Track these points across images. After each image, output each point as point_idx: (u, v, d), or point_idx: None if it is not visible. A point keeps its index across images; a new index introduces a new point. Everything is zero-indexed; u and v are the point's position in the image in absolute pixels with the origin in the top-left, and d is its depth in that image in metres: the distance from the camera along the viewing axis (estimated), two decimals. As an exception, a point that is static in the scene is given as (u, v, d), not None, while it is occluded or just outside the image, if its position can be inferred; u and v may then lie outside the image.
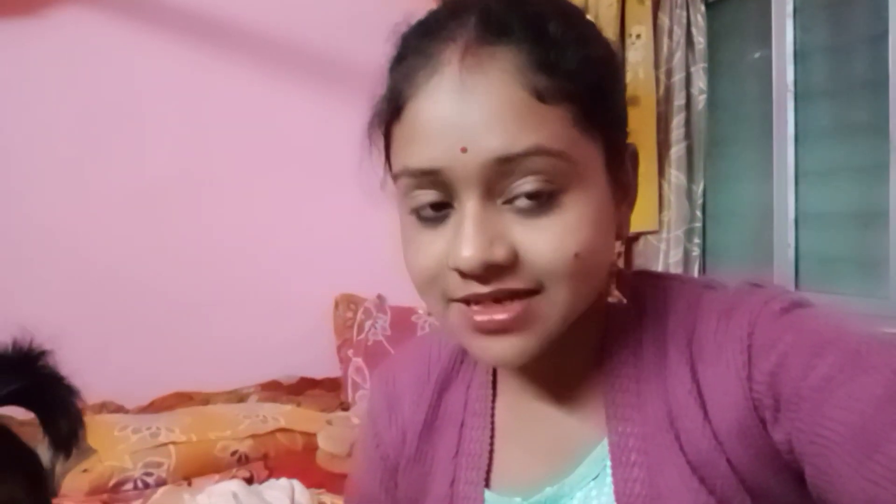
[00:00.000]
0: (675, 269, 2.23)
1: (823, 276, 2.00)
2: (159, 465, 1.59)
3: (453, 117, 0.48)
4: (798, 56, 2.00)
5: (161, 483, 1.57)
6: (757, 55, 2.14)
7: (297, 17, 2.35)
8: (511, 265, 0.49)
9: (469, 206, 0.49)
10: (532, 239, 0.49)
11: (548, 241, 0.49)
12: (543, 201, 0.49)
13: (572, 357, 0.58)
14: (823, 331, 0.49)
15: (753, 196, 2.20)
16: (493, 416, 0.62)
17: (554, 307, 0.50)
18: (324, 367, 2.33)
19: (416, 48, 0.52)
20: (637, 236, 2.30)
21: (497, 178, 0.48)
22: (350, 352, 2.26)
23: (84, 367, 1.80)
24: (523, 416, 0.61)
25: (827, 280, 1.98)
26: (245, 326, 2.27)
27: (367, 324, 2.27)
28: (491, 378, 0.63)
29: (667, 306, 0.57)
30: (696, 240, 2.28)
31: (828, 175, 1.98)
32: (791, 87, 2.02)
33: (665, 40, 2.23)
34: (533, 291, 0.50)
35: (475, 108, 0.48)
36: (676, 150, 2.24)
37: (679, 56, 2.22)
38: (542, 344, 0.51)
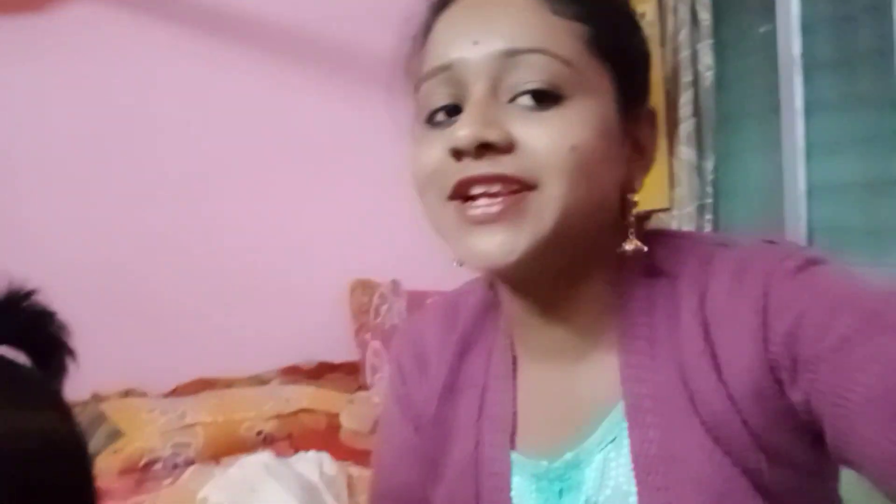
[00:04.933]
0: (687, 246, 2.25)
1: (837, 247, 2.01)
2: (187, 445, 1.63)
3: (470, 19, 0.54)
4: (804, 28, 2.00)
5: (189, 462, 1.62)
6: (762, 29, 2.15)
7: (308, 7, 2.37)
8: (506, 150, 0.51)
9: (474, 95, 0.52)
10: (531, 131, 0.51)
11: (545, 132, 0.51)
12: (546, 101, 0.52)
13: (586, 316, 0.58)
14: (839, 289, 0.50)
15: (764, 170, 2.21)
16: (515, 380, 0.63)
17: (546, 204, 0.51)
18: (342, 351, 2.36)
19: None
20: (648, 214, 2.30)
21: (503, 72, 0.52)
22: (367, 335, 2.28)
23: (107, 356, 1.84)
24: (543, 378, 0.61)
25: (840, 251, 2.00)
26: (264, 314, 2.30)
27: (384, 308, 2.30)
28: (510, 344, 0.64)
29: (679, 265, 0.57)
30: (708, 216, 2.29)
31: (838, 146, 1.99)
32: (798, 59, 2.03)
33: (670, 18, 2.24)
34: (527, 186, 0.51)
35: (490, 12, 0.53)
36: (685, 127, 2.25)
37: (684, 33, 2.23)
38: (532, 244, 0.51)
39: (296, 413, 1.79)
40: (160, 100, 2.24)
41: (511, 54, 0.52)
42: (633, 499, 0.54)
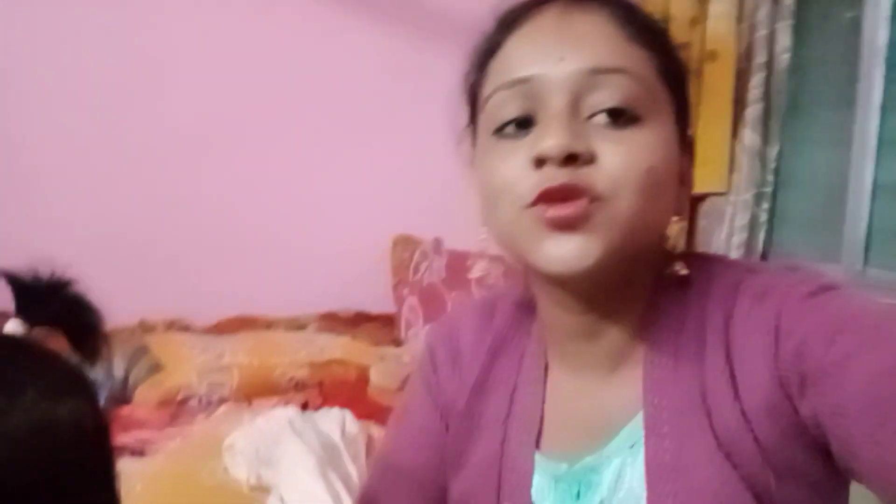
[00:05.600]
0: (741, 234, 2.18)
1: (895, 251, 1.93)
2: (222, 384, 1.70)
3: (553, 37, 0.56)
4: (893, 19, 1.88)
5: (223, 401, 1.69)
6: (849, 15, 2.03)
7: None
8: (587, 163, 0.53)
9: (557, 108, 0.54)
10: (610, 148, 0.53)
11: (624, 150, 0.53)
12: (624, 118, 0.54)
13: (615, 328, 0.60)
14: (846, 310, 0.52)
15: (830, 164, 2.11)
16: (545, 385, 0.65)
17: (618, 216, 0.53)
18: (380, 303, 2.41)
19: (518, 8, 0.60)
20: (703, 196, 2.24)
21: (585, 90, 0.54)
22: (405, 291, 2.32)
23: (157, 288, 1.92)
24: (570, 386, 0.64)
25: (897, 255, 1.92)
26: (308, 259, 2.35)
27: (423, 265, 2.32)
28: (544, 349, 0.66)
29: (710, 287, 0.59)
30: (765, 205, 2.21)
31: (911, 147, 1.89)
32: (882, 51, 1.91)
33: (751, -7, 2.13)
34: (601, 197, 0.53)
35: (574, 32, 0.55)
36: (753, 111, 2.15)
37: (764, 11, 2.11)
38: (604, 252, 0.53)
39: (328, 363, 1.85)
40: (205, 41, 2.23)
41: (595, 73, 0.54)
42: (644, 503, 0.56)
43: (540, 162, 0.53)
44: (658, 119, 0.55)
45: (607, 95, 0.54)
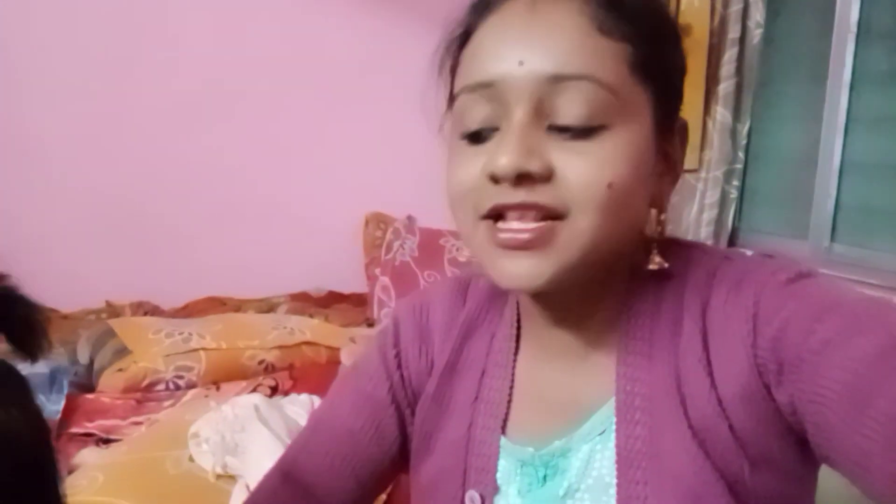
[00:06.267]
0: (711, 210, 2.20)
1: (861, 229, 1.95)
2: (190, 369, 1.67)
3: (516, 35, 0.53)
4: (865, -5, 1.88)
5: (191, 386, 1.66)
6: (821, -9, 2.02)
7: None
8: (544, 180, 0.51)
9: (516, 119, 0.52)
10: (569, 162, 0.51)
11: (584, 165, 0.51)
12: (587, 129, 0.51)
13: (592, 317, 0.60)
14: (825, 298, 0.51)
15: (800, 140, 2.12)
16: (514, 368, 0.65)
17: (575, 236, 0.51)
18: (352, 282, 2.40)
19: None
20: (674, 174, 2.24)
21: (547, 97, 0.51)
22: (377, 270, 2.30)
23: (124, 268, 1.90)
24: (541, 371, 0.63)
25: (864, 233, 1.94)
26: (278, 239, 2.32)
27: (396, 244, 2.31)
28: (514, 333, 0.65)
29: (687, 275, 0.59)
30: (735, 182, 2.22)
31: (880, 124, 1.90)
32: (854, 27, 1.91)
33: (725, -33, 2.11)
34: (559, 216, 0.51)
35: (539, 30, 0.52)
36: (725, 87, 2.15)
37: (738, -15, 2.10)
38: (558, 272, 0.52)
39: (298, 345, 1.83)
40: (180, 21, 2.18)
41: (556, 79, 0.51)
42: (613, 490, 0.56)
43: (495, 179, 0.52)
44: (627, 122, 0.52)
45: (568, 106, 0.51)
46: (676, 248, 0.61)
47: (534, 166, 0.50)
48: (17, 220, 2.00)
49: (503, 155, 0.50)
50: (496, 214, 0.53)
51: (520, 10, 0.53)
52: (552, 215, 0.51)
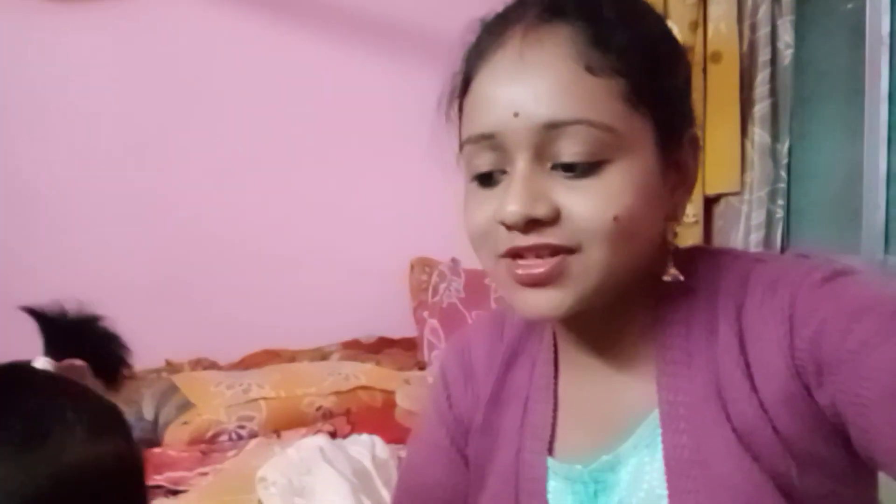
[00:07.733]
0: (758, 232, 2.17)
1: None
2: (251, 418, 1.70)
3: (510, 86, 0.54)
4: (894, 6, 1.88)
5: (253, 435, 1.69)
6: (849, 6, 2.03)
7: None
8: (552, 222, 0.53)
9: (518, 167, 0.54)
10: (574, 200, 0.53)
11: (588, 202, 0.53)
12: (587, 168, 0.53)
13: (626, 333, 0.61)
14: (862, 297, 0.51)
15: (842, 155, 2.10)
16: (555, 391, 0.66)
17: (590, 267, 0.53)
18: (401, 327, 2.41)
19: (487, 30, 0.59)
20: (718, 198, 2.23)
21: (546, 142, 0.53)
22: (426, 313, 2.32)
23: (180, 327, 1.94)
24: (582, 390, 0.64)
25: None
26: (327, 287, 2.36)
27: (442, 286, 2.33)
28: (553, 356, 0.67)
29: (718, 281, 0.59)
30: (780, 201, 2.20)
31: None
32: (886, 39, 1.90)
33: (750, -8, 2.14)
34: (571, 250, 0.53)
35: (530, 78, 0.53)
36: (760, 108, 2.16)
37: (764, 9, 2.12)
38: (577, 302, 0.54)
39: (354, 390, 1.84)
40: (221, 74, 2.28)
41: (552, 126, 0.53)
42: (665, 501, 0.56)
43: (506, 226, 0.54)
44: (628, 153, 0.53)
45: (568, 146, 0.53)
46: (706, 256, 0.62)
47: (540, 212, 0.52)
48: (74, 284, 2.08)
49: (510, 204, 0.53)
50: (513, 253, 0.55)
51: (510, 57, 0.55)
52: (565, 250, 0.53)
